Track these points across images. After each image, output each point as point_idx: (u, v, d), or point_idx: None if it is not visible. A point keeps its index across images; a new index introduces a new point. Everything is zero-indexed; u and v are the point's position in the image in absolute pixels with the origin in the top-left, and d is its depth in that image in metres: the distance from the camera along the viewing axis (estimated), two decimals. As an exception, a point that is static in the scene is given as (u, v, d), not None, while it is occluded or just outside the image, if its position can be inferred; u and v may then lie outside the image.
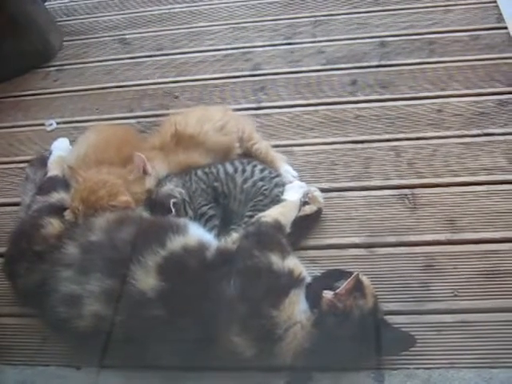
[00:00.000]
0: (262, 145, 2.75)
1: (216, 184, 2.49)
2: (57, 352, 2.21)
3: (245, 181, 2.49)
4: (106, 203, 2.28)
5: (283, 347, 1.92)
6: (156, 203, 2.42)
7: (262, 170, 2.53)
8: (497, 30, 3.36)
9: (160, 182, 2.49)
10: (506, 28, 3.34)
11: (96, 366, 2.12)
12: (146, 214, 2.34)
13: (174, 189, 2.45)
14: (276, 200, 2.44)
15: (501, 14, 3.44)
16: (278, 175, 2.57)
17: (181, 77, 3.50)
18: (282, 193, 2.48)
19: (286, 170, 2.63)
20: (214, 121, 2.68)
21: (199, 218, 2.43)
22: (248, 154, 2.72)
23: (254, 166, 2.54)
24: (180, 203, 2.42)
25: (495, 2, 3.54)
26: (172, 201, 2.37)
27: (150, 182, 2.47)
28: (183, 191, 2.47)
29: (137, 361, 2.06)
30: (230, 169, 2.53)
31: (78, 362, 2.16)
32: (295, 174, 2.63)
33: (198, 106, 3.08)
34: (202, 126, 2.63)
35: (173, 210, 2.35)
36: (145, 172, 2.45)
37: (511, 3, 3.48)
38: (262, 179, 2.49)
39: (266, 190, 2.46)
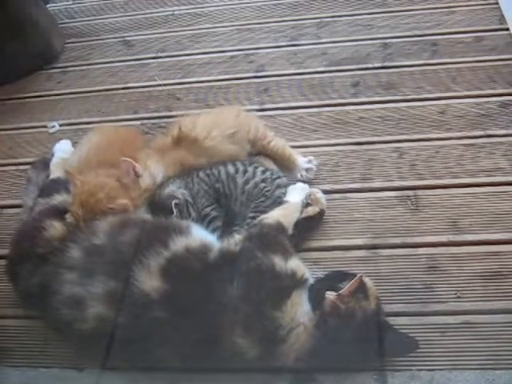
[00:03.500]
0: (278, 142, 2.74)
1: (218, 185, 2.49)
2: (59, 354, 2.21)
3: (246, 182, 2.48)
4: (104, 206, 2.28)
5: (286, 349, 1.92)
6: (158, 205, 2.41)
7: (263, 172, 2.52)
8: (499, 31, 3.36)
9: (162, 185, 2.48)
10: (507, 29, 3.35)
11: (99, 367, 2.12)
12: (148, 216, 2.34)
13: (176, 190, 2.45)
14: (278, 201, 2.43)
15: (503, 16, 3.44)
16: (280, 176, 2.56)
17: (185, 78, 3.50)
18: (284, 194, 2.47)
19: (303, 160, 2.67)
20: (224, 127, 2.64)
21: (202, 219, 2.43)
22: (263, 153, 2.72)
23: (256, 168, 2.54)
24: (183, 204, 2.41)
25: (497, 3, 3.54)
26: (174, 202, 2.37)
27: (144, 182, 2.45)
28: (186, 192, 2.46)
29: (140, 362, 2.06)
30: (231, 170, 2.52)
31: (81, 363, 2.15)
32: (315, 162, 2.68)
33: (206, 108, 3.09)
34: (210, 131, 2.60)
35: (174, 211, 2.34)
36: (136, 175, 2.44)
37: (513, 4, 3.49)
38: (263, 180, 2.48)
39: (267, 191, 2.45)
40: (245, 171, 2.51)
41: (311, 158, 2.69)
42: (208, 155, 2.60)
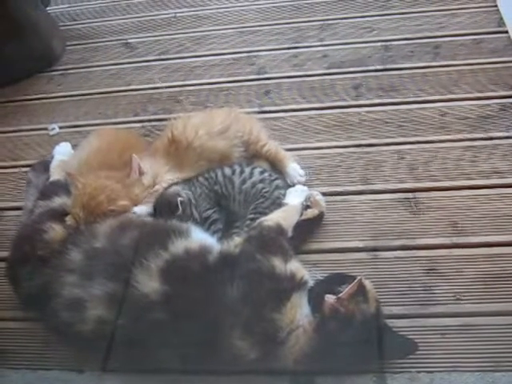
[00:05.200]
0: (272, 145, 2.73)
1: (216, 187, 2.49)
2: (59, 356, 2.21)
3: (243, 181, 2.48)
4: (105, 208, 2.29)
5: (285, 351, 1.92)
6: (162, 203, 2.41)
7: (261, 172, 2.52)
8: (499, 34, 3.35)
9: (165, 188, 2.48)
10: (507, 32, 3.35)
11: (99, 369, 2.12)
12: (148, 218, 2.35)
13: (180, 190, 2.45)
14: (277, 202, 2.44)
15: (502, 18, 3.44)
16: (279, 177, 2.56)
17: (185, 81, 3.49)
18: (283, 195, 2.48)
19: (294, 168, 2.65)
20: (211, 125, 2.65)
21: (204, 221, 2.43)
22: (257, 156, 2.72)
23: (253, 168, 2.54)
24: (186, 203, 2.41)
25: (496, 6, 3.54)
26: (179, 199, 2.37)
27: (147, 180, 2.47)
28: (190, 193, 2.46)
29: (140, 364, 2.06)
30: (227, 171, 2.52)
31: (81, 365, 2.15)
32: (302, 172, 2.64)
33: (204, 109, 3.10)
34: (198, 130, 2.60)
35: (180, 208, 2.35)
36: (141, 173, 2.46)
37: (511, 7, 3.49)
38: (261, 181, 2.48)
39: (266, 192, 2.45)
40: (241, 172, 2.51)
41: (303, 172, 2.66)
42: (198, 154, 2.60)
